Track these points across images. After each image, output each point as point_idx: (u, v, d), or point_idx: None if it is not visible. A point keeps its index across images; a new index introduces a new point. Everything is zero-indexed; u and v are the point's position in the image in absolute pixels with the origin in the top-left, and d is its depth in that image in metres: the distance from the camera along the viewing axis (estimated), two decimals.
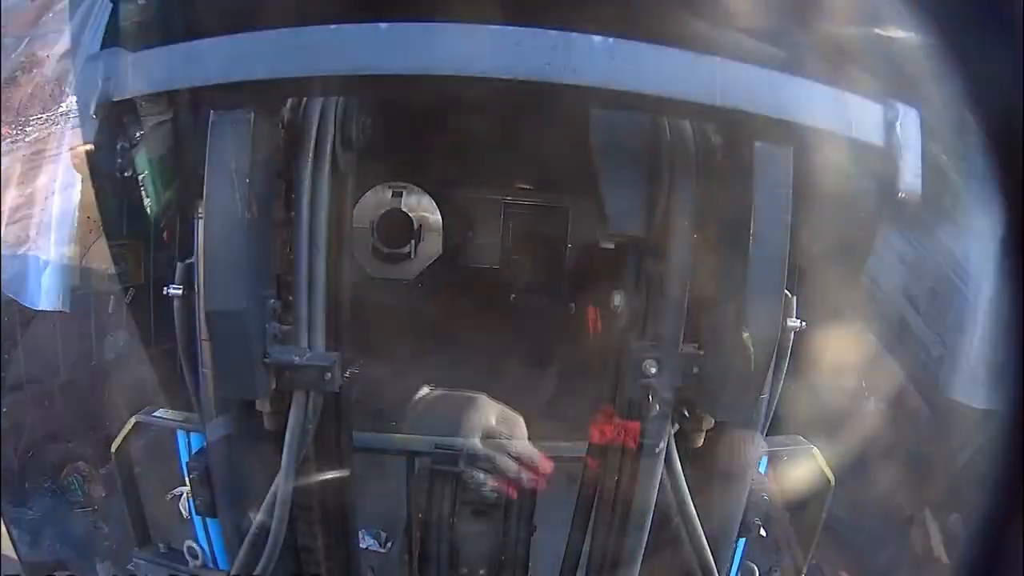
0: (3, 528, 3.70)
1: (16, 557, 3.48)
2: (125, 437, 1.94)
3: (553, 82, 1.14)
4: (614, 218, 1.63)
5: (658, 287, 1.53)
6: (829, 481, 1.95)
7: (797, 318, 1.62)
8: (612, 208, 1.63)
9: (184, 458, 1.85)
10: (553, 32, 1.15)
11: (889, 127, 1.20)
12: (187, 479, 1.78)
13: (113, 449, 1.94)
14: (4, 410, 4.34)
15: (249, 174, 1.24)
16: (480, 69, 1.13)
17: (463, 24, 1.17)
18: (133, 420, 1.95)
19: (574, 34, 1.16)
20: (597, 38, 1.15)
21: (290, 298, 1.57)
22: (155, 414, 1.92)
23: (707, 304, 1.50)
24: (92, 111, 1.22)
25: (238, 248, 1.24)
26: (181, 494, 1.90)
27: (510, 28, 1.17)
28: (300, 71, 1.16)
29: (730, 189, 1.32)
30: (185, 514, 1.92)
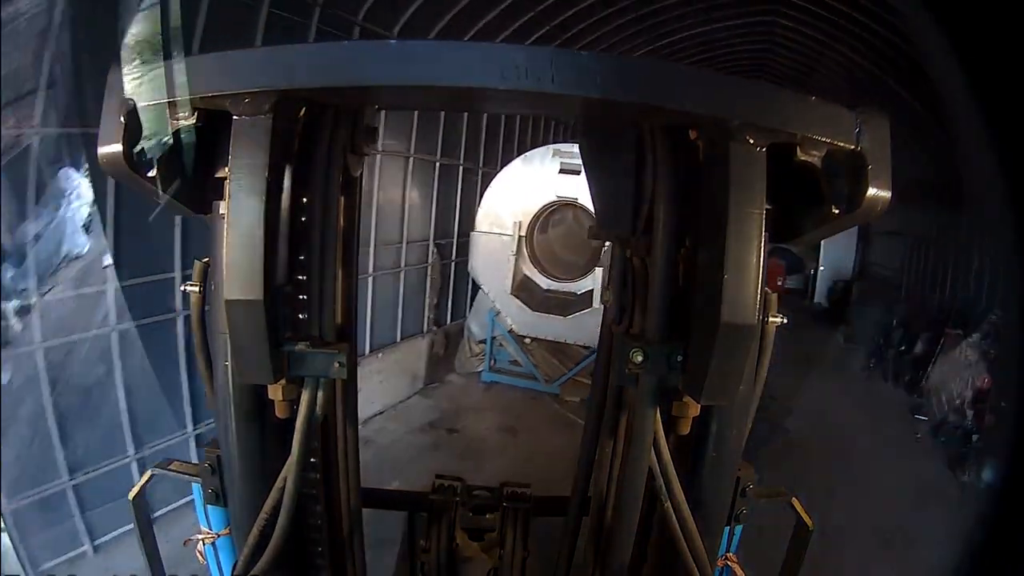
0: (3, 528, 3.71)
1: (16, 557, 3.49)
2: (141, 486, 2.04)
3: (545, 92, 1.27)
4: (603, 219, 1.76)
5: (643, 281, 1.65)
6: (809, 528, 2.06)
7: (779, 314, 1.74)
8: (601, 209, 1.76)
9: (199, 509, 1.95)
10: (546, 49, 1.30)
11: (860, 132, 1.27)
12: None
13: (130, 497, 2.04)
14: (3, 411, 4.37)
15: (268, 176, 1.34)
16: (484, 81, 1.25)
17: (469, 43, 1.31)
18: (149, 471, 2.06)
19: (562, 51, 1.30)
20: (583, 53, 1.29)
21: (302, 296, 1.67)
22: (170, 467, 2.02)
23: (689, 297, 1.61)
24: (120, 115, 1.32)
25: (258, 243, 1.34)
26: (198, 541, 1.98)
27: (510, 46, 1.31)
28: (323, 82, 1.27)
29: (708, 190, 1.44)
30: (202, 560, 2.00)
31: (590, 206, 7.20)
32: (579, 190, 7.21)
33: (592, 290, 7.29)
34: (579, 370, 7.74)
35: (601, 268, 6.64)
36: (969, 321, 8.26)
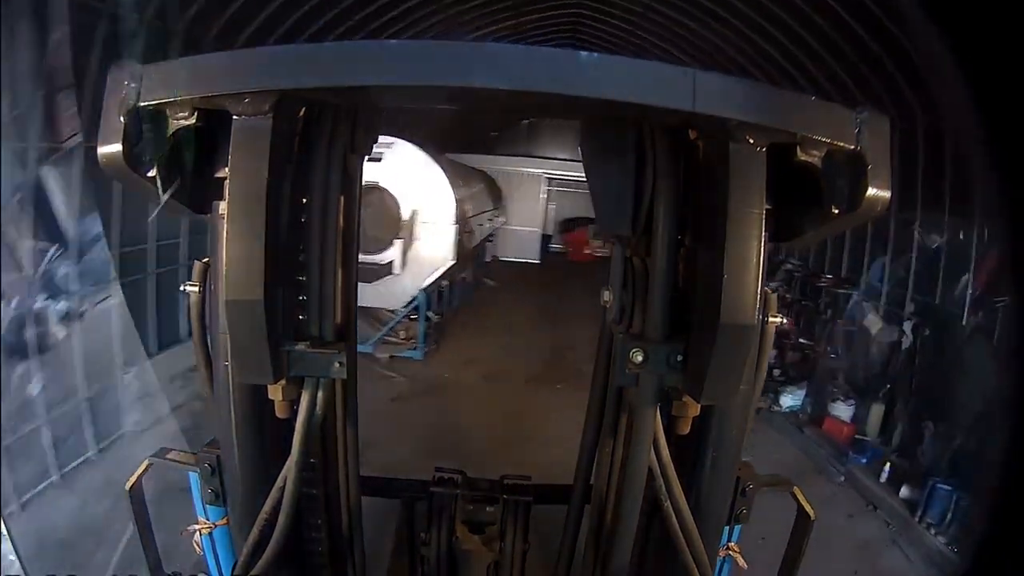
0: (3, 528, 3.70)
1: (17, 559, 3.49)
2: (139, 476, 2.03)
3: (554, 92, 1.26)
4: (603, 219, 1.76)
5: (643, 281, 1.65)
6: (810, 517, 2.07)
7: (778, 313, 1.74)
8: (601, 209, 1.76)
9: (196, 498, 1.94)
10: (554, 50, 1.29)
11: (860, 132, 1.26)
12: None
13: (127, 487, 2.02)
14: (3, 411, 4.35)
15: (268, 176, 1.33)
16: (493, 82, 1.24)
17: (475, 43, 1.30)
18: (146, 461, 2.05)
19: (571, 51, 1.29)
20: (592, 55, 1.28)
21: (302, 296, 1.67)
22: (168, 456, 2.01)
23: (689, 297, 1.61)
24: (119, 115, 1.31)
25: (258, 243, 1.33)
26: (195, 531, 1.97)
27: (519, 47, 1.29)
28: (335, 81, 1.26)
29: (708, 190, 1.44)
30: (198, 549, 1.99)
31: (392, 189, 8.52)
32: (381, 175, 8.50)
33: (392, 260, 8.71)
34: (387, 332, 9.11)
35: (401, 240, 8.58)
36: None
